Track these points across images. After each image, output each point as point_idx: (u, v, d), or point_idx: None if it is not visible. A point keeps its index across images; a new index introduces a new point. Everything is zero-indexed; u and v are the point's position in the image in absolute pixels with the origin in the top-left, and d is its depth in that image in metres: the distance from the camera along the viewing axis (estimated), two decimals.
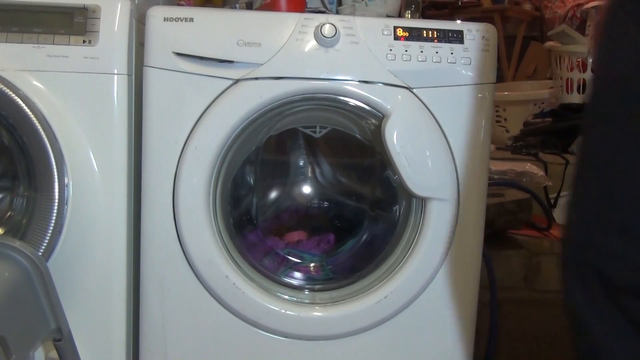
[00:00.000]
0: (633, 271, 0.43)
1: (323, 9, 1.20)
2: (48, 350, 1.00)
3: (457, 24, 1.02)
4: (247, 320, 1.03)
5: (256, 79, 0.97)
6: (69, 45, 1.00)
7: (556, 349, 1.42)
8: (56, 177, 0.98)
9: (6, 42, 1.00)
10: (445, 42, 1.00)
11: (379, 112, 1.00)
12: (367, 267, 1.09)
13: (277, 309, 1.01)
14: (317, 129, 1.18)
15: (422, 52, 0.99)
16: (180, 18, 0.97)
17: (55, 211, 0.99)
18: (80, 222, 1.02)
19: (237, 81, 0.97)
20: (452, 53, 1.00)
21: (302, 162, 1.28)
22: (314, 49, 0.98)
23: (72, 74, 1.00)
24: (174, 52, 0.97)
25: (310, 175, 1.29)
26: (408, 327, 1.06)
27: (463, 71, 1.00)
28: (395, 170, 1.00)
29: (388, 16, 1.19)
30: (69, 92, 1.00)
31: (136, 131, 1.05)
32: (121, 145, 1.03)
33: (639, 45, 0.44)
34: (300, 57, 0.98)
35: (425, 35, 1.00)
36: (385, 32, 0.99)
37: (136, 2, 1.04)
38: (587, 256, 0.46)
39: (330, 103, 1.03)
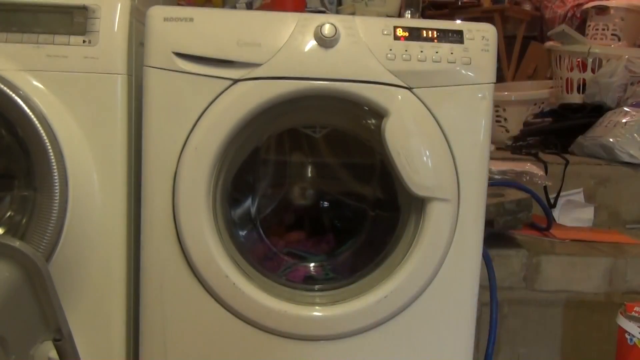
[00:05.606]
0: None
1: (323, 9, 1.20)
2: (48, 350, 1.00)
3: (457, 24, 1.02)
4: (247, 320, 1.03)
5: (256, 79, 0.97)
6: (69, 45, 1.00)
7: (556, 349, 1.42)
8: (56, 177, 0.98)
9: (6, 42, 1.00)
10: (445, 42, 1.00)
11: (379, 112, 1.00)
12: (367, 267, 1.09)
13: (277, 309, 1.01)
14: (317, 129, 1.18)
15: (422, 52, 0.99)
16: (180, 18, 0.97)
17: (55, 211, 0.99)
18: (80, 222, 1.02)
19: (236, 81, 0.97)
20: (451, 53, 1.00)
21: (302, 162, 1.28)
22: (313, 49, 0.98)
23: (72, 74, 1.00)
24: (173, 52, 0.97)
25: (310, 175, 1.28)
26: (408, 327, 1.06)
27: (463, 71, 1.00)
28: (395, 170, 1.00)
29: (388, 16, 1.19)
30: (69, 92, 1.00)
31: (136, 131, 1.05)
32: (121, 145, 1.03)
33: None
34: (300, 57, 0.98)
35: (425, 35, 1.00)
36: (385, 32, 0.99)
37: (136, 2, 1.04)
38: None
39: (330, 103, 1.03)
